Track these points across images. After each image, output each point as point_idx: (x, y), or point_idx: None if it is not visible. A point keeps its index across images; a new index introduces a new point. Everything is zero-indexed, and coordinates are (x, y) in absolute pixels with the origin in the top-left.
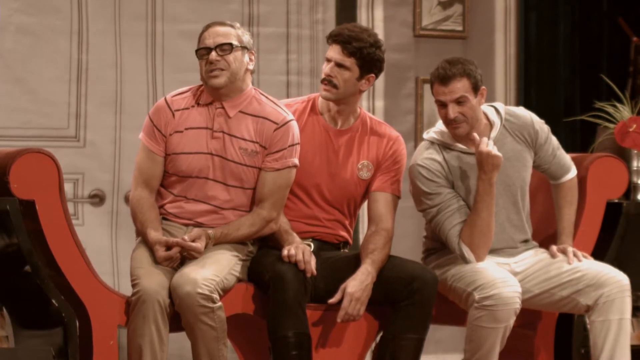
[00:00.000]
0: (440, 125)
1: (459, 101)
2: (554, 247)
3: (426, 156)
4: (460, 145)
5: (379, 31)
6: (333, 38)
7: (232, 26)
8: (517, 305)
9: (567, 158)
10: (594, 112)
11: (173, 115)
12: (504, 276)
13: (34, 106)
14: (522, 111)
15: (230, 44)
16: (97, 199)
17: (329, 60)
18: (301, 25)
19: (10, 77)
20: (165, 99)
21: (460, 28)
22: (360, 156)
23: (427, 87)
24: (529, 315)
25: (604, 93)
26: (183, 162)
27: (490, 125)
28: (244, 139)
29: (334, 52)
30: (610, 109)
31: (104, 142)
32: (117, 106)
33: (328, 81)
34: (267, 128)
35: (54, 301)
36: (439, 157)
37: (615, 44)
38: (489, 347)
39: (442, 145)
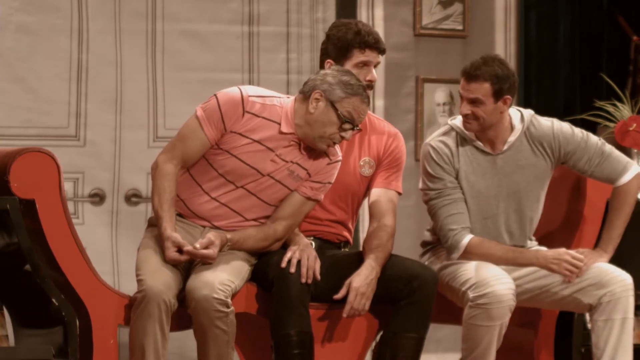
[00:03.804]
0: None
1: (473, 101)
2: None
3: (440, 139)
4: (479, 143)
5: (379, 30)
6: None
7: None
8: (512, 303)
9: (615, 164)
10: (594, 111)
11: (243, 114)
12: (497, 274)
13: (34, 105)
14: (546, 121)
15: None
16: (97, 198)
17: (365, 64)
18: (301, 24)
19: (10, 76)
20: (242, 95)
21: (460, 27)
22: (361, 153)
23: (427, 86)
24: (528, 315)
25: (604, 92)
26: (229, 163)
27: (512, 129)
28: (297, 164)
29: (372, 57)
30: (610, 108)
31: (104, 141)
32: (118, 105)
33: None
34: (321, 160)
35: (54, 300)
36: (452, 145)
37: (615, 42)
38: (485, 346)
39: (461, 136)
